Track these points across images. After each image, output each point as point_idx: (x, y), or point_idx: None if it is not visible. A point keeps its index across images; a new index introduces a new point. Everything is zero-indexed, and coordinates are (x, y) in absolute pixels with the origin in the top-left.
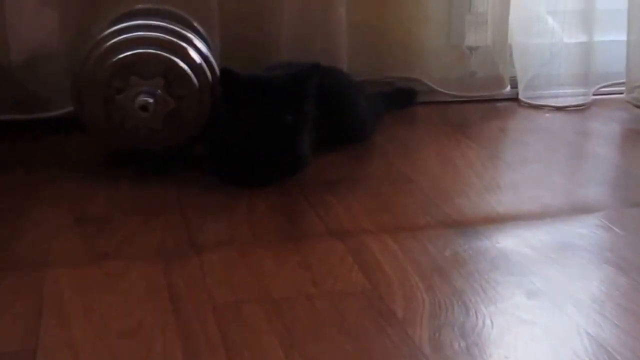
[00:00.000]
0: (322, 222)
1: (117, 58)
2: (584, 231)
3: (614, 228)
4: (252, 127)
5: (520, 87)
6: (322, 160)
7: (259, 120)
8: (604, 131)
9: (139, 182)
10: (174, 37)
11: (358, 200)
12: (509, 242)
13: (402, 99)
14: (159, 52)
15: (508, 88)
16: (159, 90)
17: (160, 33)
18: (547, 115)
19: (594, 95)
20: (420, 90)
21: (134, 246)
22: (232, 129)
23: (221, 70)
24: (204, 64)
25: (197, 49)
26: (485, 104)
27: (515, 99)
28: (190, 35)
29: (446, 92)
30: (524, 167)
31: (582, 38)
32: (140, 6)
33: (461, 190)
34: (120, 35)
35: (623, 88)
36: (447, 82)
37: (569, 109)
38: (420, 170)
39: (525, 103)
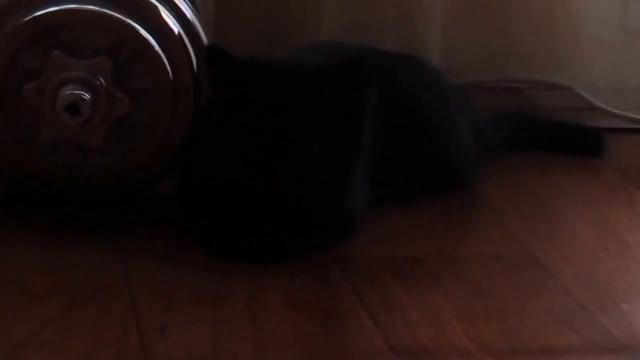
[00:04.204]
0: (380, 332)
1: (28, 18)
2: None
3: None
4: (261, 155)
5: None
6: (386, 223)
7: (273, 145)
8: None
9: (58, 245)
10: None
11: (446, 296)
12: None
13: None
14: (104, 10)
15: None
16: (102, 80)
17: None
18: None
19: None
20: (569, 105)
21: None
22: (225, 157)
23: (209, 50)
24: (184, 37)
25: (175, 9)
26: None
27: None
28: None
29: (615, 112)
30: None
31: None
32: None
33: (634, 290)
34: None
35: None
36: (618, 95)
37: None
38: (559, 249)
39: None
